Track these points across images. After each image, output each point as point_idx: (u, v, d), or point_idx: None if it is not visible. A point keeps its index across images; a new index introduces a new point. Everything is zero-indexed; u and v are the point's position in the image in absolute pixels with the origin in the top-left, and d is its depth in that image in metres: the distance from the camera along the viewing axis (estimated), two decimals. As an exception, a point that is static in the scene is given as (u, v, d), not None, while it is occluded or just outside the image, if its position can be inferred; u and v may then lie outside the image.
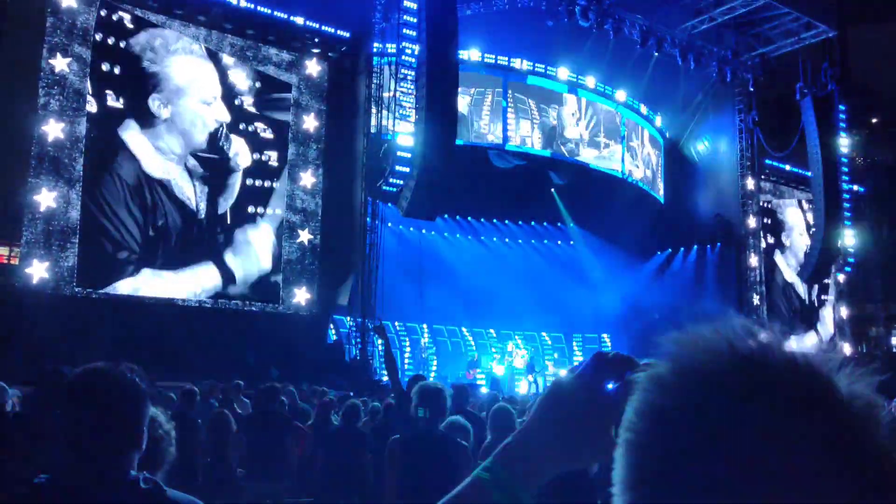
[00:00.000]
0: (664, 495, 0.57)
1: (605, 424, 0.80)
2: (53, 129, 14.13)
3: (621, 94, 23.46)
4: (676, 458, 0.56)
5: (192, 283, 15.46)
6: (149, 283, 14.89)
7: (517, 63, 21.57)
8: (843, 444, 0.54)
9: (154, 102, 15.18)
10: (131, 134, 14.93)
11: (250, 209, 16.34)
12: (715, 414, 0.56)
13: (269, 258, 16.49)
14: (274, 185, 16.71)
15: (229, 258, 15.92)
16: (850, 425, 0.55)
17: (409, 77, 16.75)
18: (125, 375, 1.71)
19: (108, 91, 14.82)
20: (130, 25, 15.25)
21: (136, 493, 1.62)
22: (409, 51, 16.80)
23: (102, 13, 14.92)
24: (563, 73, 22.32)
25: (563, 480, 0.85)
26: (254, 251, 16.29)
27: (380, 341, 7.60)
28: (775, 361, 0.58)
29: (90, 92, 14.62)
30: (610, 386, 0.83)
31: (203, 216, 15.66)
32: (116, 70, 14.95)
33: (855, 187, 25.74)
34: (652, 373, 0.63)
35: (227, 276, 15.87)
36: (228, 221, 16.02)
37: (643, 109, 24.38)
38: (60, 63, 14.33)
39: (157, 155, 15.13)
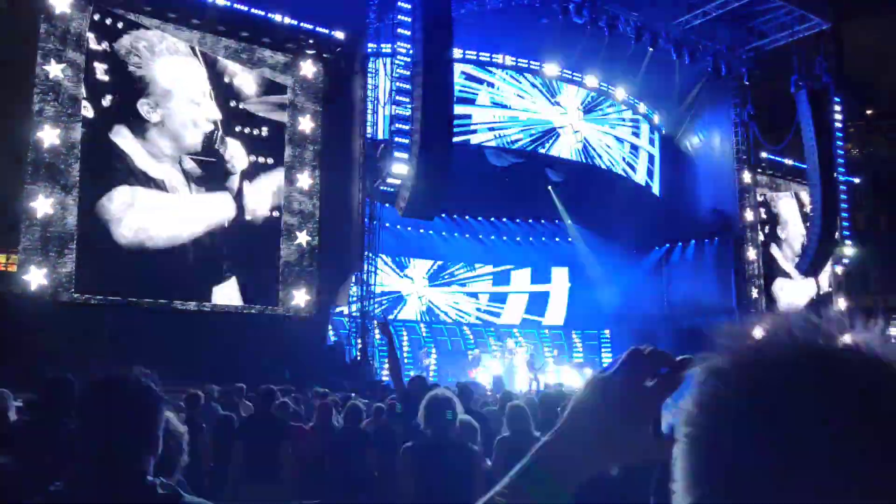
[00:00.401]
0: (734, 490, 0.55)
1: (643, 421, 0.80)
2: (49, 136, 14.09)
3: (618, 91, 23.48)
4: (745, 450, 0.55)
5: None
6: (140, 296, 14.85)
7: (512, 61, 21.57)
8: None
9: (143, 107, 15.12)
10: (123, 138, 14.87)
11: (247, 211, 16.30)
12: (782, 404, 0.55)
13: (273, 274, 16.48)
14: (271, 187, 16.68)
15: (232, 277, 15.91)
16: None
17: (404, 76, 16.74)
18: (140, 381, 1.70)
19: (102, 96, 14.78)
20: (123, 30, 15.20)
21: (154, 498, 1.61)
22: (403, 50, 16.78)
23: (96, 18, 14.88)
24: (558, 70, 22.32)
25: (600, 480, 0.84)
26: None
27: (378, 336, 7.56)
28: (841, 350, 0.57)
29: (85, 97, 14.58)
30: (648, 382, 0.82)
31: (198, 217, 15.62)
32: (110, 75, 14.90)
33: (851, 179, 25.79)
34: (711, 365, 0.61)
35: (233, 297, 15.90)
36: (225, 224, 15.98)
37: (639, 105, 24.39)
38: (55, 69, 14.29)
39: (149, 158, 15.08)
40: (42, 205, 13.92)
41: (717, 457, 0.57)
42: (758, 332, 0.61)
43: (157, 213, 15.13)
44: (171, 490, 1.64)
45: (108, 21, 15.06)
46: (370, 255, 17.64)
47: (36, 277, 13.71)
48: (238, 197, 16.16)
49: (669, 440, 0.78)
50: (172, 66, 15.66)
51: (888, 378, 0.55)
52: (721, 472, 0.57)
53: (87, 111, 14.60)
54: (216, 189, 15.90)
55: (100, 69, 14.82)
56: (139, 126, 15.07)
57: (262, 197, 16.52)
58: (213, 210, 15.83)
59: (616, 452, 0.83)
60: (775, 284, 24.85)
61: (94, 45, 14.81)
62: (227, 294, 15.83)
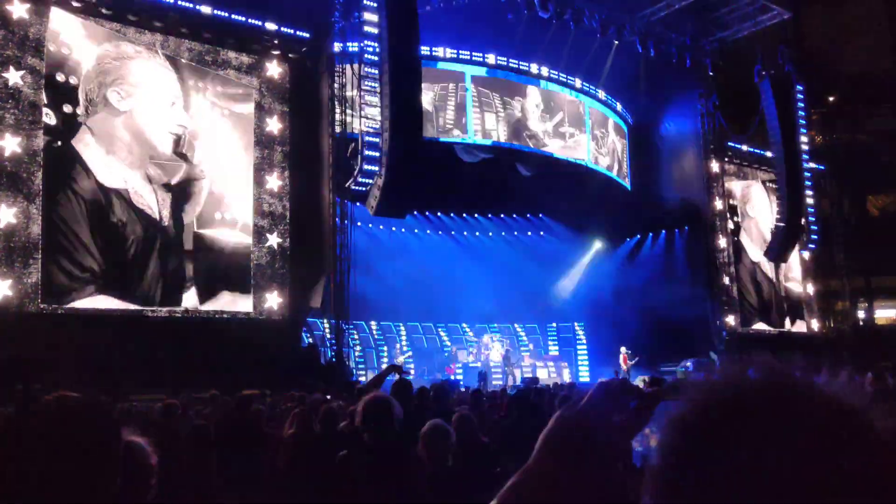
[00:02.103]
0: None
1: (613, 458, 0.78)
2: (10, 144, 13.82)
3: (584, 84, 23.58)
4: (703, 494, 0.55)
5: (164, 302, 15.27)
6: (110, 305, 14.63)
7: (479, 57, 21.56)
8: (883, 482, 0.52)
9: (113, 94, 14.90)
10: (85, 144, 14.62)
11: (216, 215, 16.14)
12: (742, 453, 0.54)
13: (244, 277, 16.32)
14: (239, 190, 16.52)
15: (200, 282, 15.73)
16: (891, 462, 0.53)
17: (371, 75, 16.65)
18: (93, 405, 1.64)
19: (64, 102, 14.52)
20: (84, 34, 14.94)
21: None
22: (370, 48, 16.69)
23: (55, 24, 14.61)
24: (525, 65, 22.36)
25: None
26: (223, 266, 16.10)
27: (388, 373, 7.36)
28: (804, 397, 0.57)
29: (45, 103, 14.32)
30: (615, 418, 0.80)
31: (167, 223, 15.42)
32: (72, 80, 14.65)
33: (815, 165, 26.20)
34: (672, 415, 0.61)
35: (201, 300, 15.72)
36: (196, 229, 15.80)
37: (606, 98, 24.53)
38: (14, 76, 14.01)
39: (113, 162, 14.82)
40: (5, 214, 13.65)
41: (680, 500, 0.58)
42: (724, 379, 0.61)
43: (123, 220, 14.90)
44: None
45: (69, 26, 14.78)
46: (342, 254, 17.55)
47: (1, 289, 13.45)
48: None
49: (642, 475, 0.76)
50: (144, 67, 15.49)
51: (851, 421, 0.55)
52: None
53: (49, 118, 14.34)
54: (183, 193, 15.70)
55: (60, 75, 14.56)
56: (105, 124, 14.80)
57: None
58: (180, 214, 15.64)
59: (587, 491, 0.81)
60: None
61: (54, 50, 14.53)
62: (195, 298, 15.66)
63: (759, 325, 25.21)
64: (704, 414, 0.59)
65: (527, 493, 0.82)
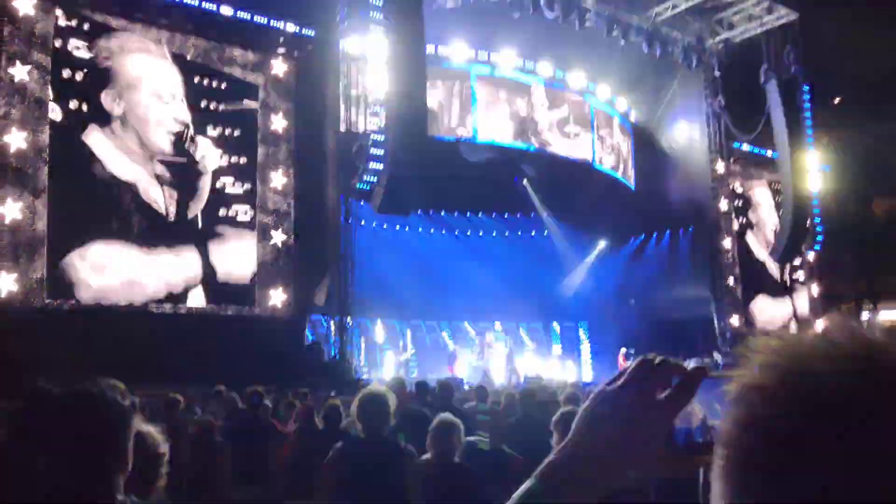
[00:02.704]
0: None
1: (655, 436, 0.76)
2: (16, 139, 13.84)
3: (589, 84, 23.55)
4: (796, 473, 0.51)
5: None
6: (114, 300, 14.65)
7: (485, 56, 21.55)
8: None
9: (106, 98, 14.88)
10: (95, 138, 14.65)
11: (221, 212, 16.16)
12: (836, 422, 0.50)
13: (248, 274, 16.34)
14: (244, 187, 16.54)
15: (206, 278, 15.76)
16: None
17: (376, 73, 16.65)
18: (108, 396, 1.65)
19: (70, 98, 14.55)
20: (89, 31, 14.97)
21: (124, 518, 1.57)
22: (375, 46, 16.68)
23: (61, 20, 14.63)
24: (531, 64, 22.34)
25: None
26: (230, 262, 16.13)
27: None
28: (889, 358, 0.52)
29: (52, 99, 14.34)
30: (659, 395, 0.78)
31: (173, 219, 15.45)
32: (78, 76, 14.68)
33: (821, 166, 26.12)
34: (751, 381, 0.57)
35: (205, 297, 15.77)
36: (199, 226, 15.82)
37: (611, 97, 24.49)
38: (20, 72, 14.04)
39: (121, 156, 14.86)
40: (10, 210, 13.68)
41: (763, 481, 0.53)
42: (802, 344, 0.57)
43: (131, 214, 14.94)
44: (143, 508, 1.60)
45: (74, 22, 14.81)
46: (346, 252, 17.57)
47: (6, 283, 13.48)
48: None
49: (684, 453, 0.75)
50: (141, 62, 15.44)
51: None
52: (767, 496, 0.53)
53: (55, 114, 14.36)
54: (187, 189, 15.73)
55: (67, 71, 14.58)
56: (107, 123, 14.82)
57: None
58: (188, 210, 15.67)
59: (624, 469, 0.79)
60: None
61: (61, 46, 14.56)
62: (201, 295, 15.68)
63: (764, 327, 25.14)
64: (798, 383, 0.53)
65: (566, 470, 0.79)
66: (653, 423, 0.76)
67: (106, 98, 14.84)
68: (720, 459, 0.57)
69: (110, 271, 14.63)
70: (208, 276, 15.75)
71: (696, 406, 0.77)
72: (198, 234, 15.78)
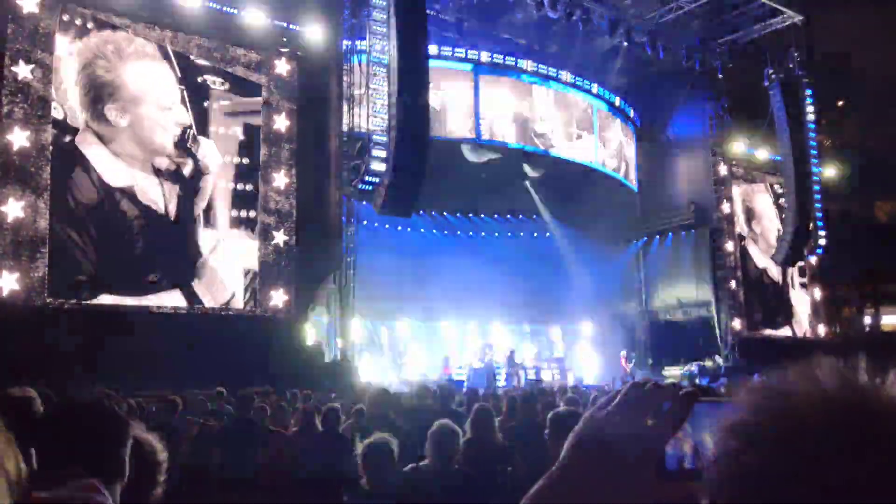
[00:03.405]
0: None
1: (645, 462, 0.75)
2: (18, 138, 13.85)
3: (592, 85, 23.54)
4: None
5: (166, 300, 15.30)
6: (115, 300, 14.65)
7: (488, 57, 21.53)
8: None
9: (111, 112, 14.86)
10: (88, 144, 14.58)
11: (223, 212, 16.16)
12: (813, 466, 0.50)
13: (249, 273, 16.33)
14: (246, 187, 16.54)
15: (206, 277, 15.75)
16: None
17: (380, 74, 16.65)
18: (103, 406, 1.64)
19: (70, 97, 14.54)
20: (93, 30, 14.97)
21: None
22: (379, 47, 16.69)
23: (65, 18, 14.64)
24: (534, 66, 22.32)
25: None
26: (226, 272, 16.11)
27: None
28: (873, 403, 0.52)
29: (54, 98, 14.35)
30: (649, 422, 0.76)
31: (173, 219, 15.44)
32: (78, 76, 14.67)
33: (824, 169, 26.10)
34: (737, 423, 0.57)
35: (205, 297, 15.73)
36: (202, 225, 15.82)
37: (614, 99, 24.48)
38: (23, 70, 14.04)
39: (117, 162, 14.81)
40: (12, 208, 13.68)
41: None
42: (790, 385, 0.56)
43: (129, 217, 14.93)
44: (138, 520, 1.59)
45: (78, 21, 14.82)
46: (348, 253, 17.58)
47: (8, 282, 13.48)
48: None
49: (675, 479, 0.74)
50: (142, 70, 15.40)
51: None
52: None
53: (58, 112, 14.37)
54: (190, 189, 15.73)
55: (69, 70, 14.58)
56: (107, 132, 14.81)
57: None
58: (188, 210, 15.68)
59: (618, 497, 0.77)
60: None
61: (62, 45, 14.56)
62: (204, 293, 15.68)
63: (765, 330, 25.12)
64: (779, 424, 0.54)
65: (554, 497, 0.78)
66: (643, 449, 0.75)
67: (110, 112, 14.82)
68: (705, 496, 0.57)
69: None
70: (208, 274, 15.72)
71: (688, 430, 0.76)
72: (199, 234, 15.77)
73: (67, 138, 14.41)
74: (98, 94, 14.80)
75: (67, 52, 14.60)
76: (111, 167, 14.78)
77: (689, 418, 0.74)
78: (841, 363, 0.56)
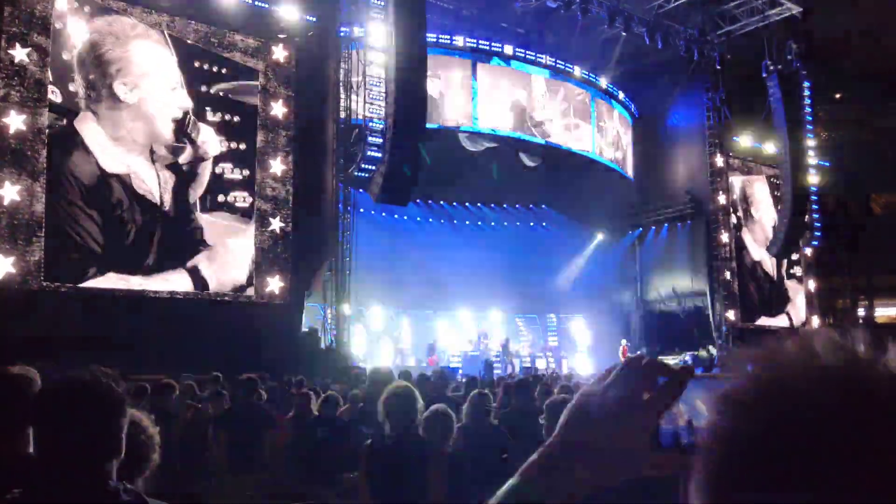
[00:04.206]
0: None
1: (640, 436, 0.75)
2: (15, 121, 13.80)
3: (590, 75, 23.50)
4: (770, 490, 0.51)
5: (162, 285, 15.29)
6: (115, 284, 14.65)
7: (486, 45, 21.47)
8: None
9: (120, 88, 14.84)
10: (87, 127, 14.58)
11: (220, 198, 16.15)
12: (808, 438, 0.50)
13: (246, 260, 16.32)
14: (243, 173, 16.52)
15: (203, 264, 15.74)
16: None
17: (377, 61, 16.61)
18: (101, 383, 1.66)
19: (69, 80, 14.49)
20: (90, 13, 14.90)
21: (117, 504, 1.58)
22: (376, 34, 16.64)
23: (61, 2, 14.56)
24: (532, 55, 22.27)
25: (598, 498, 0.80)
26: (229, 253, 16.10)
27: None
28: (872, 376, 0.52)
29: (51, 81, 14.29)
30: (645, 395, 0.77)
31: (168, 207, 15.41)
32: (77, 59, 14.61)
33: (820, 161, 26.14)
34: (728, 393, 0.57)
35: (201, 283, 15.72)
36: (198, 211, 15.81)
37: (612, 89, 24.45)
38: (20, 53, 13.98)
39: (114, 147, 14.78)
40: (8, 192, 13.65)
41: (732, 494, 0.53)
42: (783, 355, 0.56)
43: (124, 204, 14.91)
44: (135, 496, 1.61)
45: (75, 4, 14.74)
46: (344, 240, 17.58)
47: (4, 266, 13.48)
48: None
49: (670, 454, 0.76)
50: (148, 50, 15.40)
51: None
52: None
53: (55, 96, 14.31)
54: (187, 175, 15.70)
55: (66, 53, 14.52)
56: (111, 112, 14.77)
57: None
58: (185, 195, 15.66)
59: (612, 470, 0.78)
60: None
61: (61, 28, 14.49)
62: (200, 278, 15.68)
63: (760, 321, 25.22)
64: (775, 395, 0.53)
65: (548, 471, 0.79)
66: (638, 424, 0.75)
67: (119, 87, 14.78)
68: (698, 466, 0.58)
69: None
70: (204, 260, 15.72)
71: (682, 406, 0.77)
72: (195, 220, 15.76)
73: (65, 121, 14.37)
74: (106, 70, 14.75)
75: (69, 34, 14.53)
76: (110, 151, 14.74)
77: (684, 393, 0.74)
78: (839, 336, 0.56)
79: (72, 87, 14.51)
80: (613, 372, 0.81)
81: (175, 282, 15.38)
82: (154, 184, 15.26)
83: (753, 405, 0.54)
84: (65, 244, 14.17)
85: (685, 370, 0.77)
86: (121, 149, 14.86)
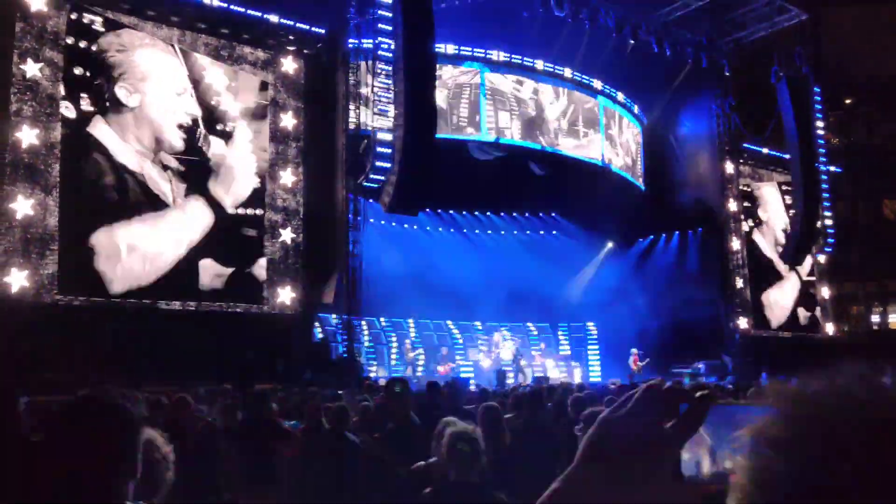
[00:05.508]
0: None
1: (662, 465, 0.74)
2: (27, 136, 13.93)
3: (598, 83, 23.48)
4: None
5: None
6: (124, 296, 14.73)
7: (494, 55, 21.49)
8: None
9: (121, 90, 14.95)
10: (100, 129, 14.72)
11: (230, 209, 16.20)
12: (844, 479, 0.50)
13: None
14: (253, 185, 16.58)
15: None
16: None
17: (386, 72, 16.66)
18: (117, 403, 1.67)
19: (81, 95, 14.61)
20: (101, 28, 15.04)
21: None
22: (385, 45, 16.70)
23: (73, 16, 14.71)
24: (540, 63, 22.28)
25: None
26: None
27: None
28: None
29: (63, 96, 14.41)
30: (667, 424, 0.76)
31: (181, 214, 15.52)
32: (88, 73, 14.74)
33: (831, 168, 26.00)
34: (763, 430, 0.56)
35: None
36: (209, 221, 15.87)
37: (621, 97, 24.41)
38: (32, 68, 14.12)
39: (127, 146, 14.93)
40: (22, 206, 13.76)
41: None
42: (816, 393, 0.56)
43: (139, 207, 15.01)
44: (151, 516, 1.62)
45: (86, 19, 14.88)
46: (354, 250, 17.60)
47: (17, 279, 13.57)
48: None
49: (693, 484, 0.74)
50: (152, 56, 15.52)
51: None
52: None
53: (69, 111, 14.43)
54: (196, 186, 15.78)
55: (78, 68, 14.65)
56: (116, 113, 14.88)
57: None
58: (195, 212, 15.72)
59: (633, 500, 0.76)
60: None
61: (73, 43, 14.63)
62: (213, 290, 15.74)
63: (772, 329, 25.06)
64: (812, 434, 0.53)
65: (570, 499, 0.77)
66: (660, 453, 0.74)
67: (120, 90, 14.91)
68: (727, 500, 0.57)
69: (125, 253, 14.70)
70: (215, 271, 15.76)
71: (705, 434, 0.76)
72: (206, 230, 15.83)
73: (78, 134, 14.47)
74: (110, 74, 14.87)
75: (80, 48, 14.66)
76: (123, 151, 14.89)
77: (706, 421, 0.73)
78: (866, 369, 0.55)
79: (84, 102, 14.62)
80: (634, 398, 0.79)
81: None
82: (167, 188, 15.36)
83: (791, 444, 0.54)
84: (78, 256, 14.24)
85: (706, 398, 0.75)
86: (132, 150, 14.96)
